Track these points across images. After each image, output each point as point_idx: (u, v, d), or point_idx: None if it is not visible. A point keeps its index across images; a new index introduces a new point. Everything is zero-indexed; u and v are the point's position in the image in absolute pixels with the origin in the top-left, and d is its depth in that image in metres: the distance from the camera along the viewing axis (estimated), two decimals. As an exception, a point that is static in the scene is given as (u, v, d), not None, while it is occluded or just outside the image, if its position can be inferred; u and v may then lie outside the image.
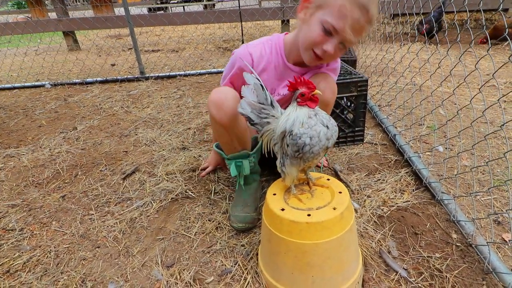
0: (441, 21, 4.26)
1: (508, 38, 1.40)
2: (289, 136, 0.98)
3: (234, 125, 1.31)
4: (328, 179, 1.17)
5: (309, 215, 0.99)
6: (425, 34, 4.09)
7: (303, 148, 0.96)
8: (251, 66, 1.35)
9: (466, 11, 1.67)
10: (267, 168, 1.80)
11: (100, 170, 1.98)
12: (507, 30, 1.89)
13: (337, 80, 1.86)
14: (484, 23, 1.55)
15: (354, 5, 1.11)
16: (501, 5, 1.42)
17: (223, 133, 1.36)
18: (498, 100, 1.30)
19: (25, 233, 1.51)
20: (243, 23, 4.18)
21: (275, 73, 1.41)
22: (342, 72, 2.04)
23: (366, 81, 1.90)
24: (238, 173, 1.47)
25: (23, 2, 11.48)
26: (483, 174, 1.72)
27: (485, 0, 3.89)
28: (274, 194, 1.11)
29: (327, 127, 0.97)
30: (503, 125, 1.28)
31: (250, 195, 1.52)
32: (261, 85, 1.07)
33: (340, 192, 1.09)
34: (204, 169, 1.86)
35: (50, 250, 1.40)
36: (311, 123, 0.95)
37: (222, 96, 1.28)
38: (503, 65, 1.32)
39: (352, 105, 1.98)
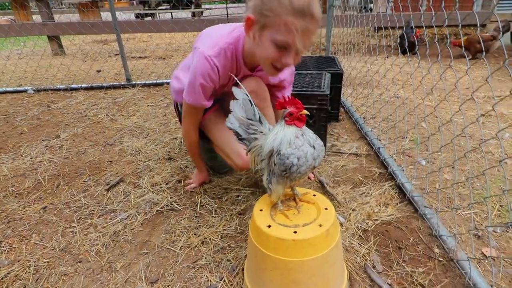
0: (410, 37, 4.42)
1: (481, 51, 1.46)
2: (276, 156, 0.99)
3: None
4: (314, 195, 1.18)
5: (295, 232, 1.00)
6: (407, 51, 4.24)
7: (291, 168, 0.97)
8: (217, 79, 1.38)
9: (444, 26, 1.72)
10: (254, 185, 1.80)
11: (84, 181, 1.94)
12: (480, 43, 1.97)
13: (299, 91, 1.97)
14: (461, 36, 1.61)
15: (298, 16, 1.11)
16: (478, 21, 1.48)
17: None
18: (477, 119, 1.34)
19: (3, 246, 1.46)
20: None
21: (229, 74, 1.44)
22: (313, 84, 2.10)
23: (327, 95, 1.94)
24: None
25: (7, 4, 11.24)
26: (463, 188, 1.77)
27: (462, 16, 4.07)
28: (261, 210, 1.12)
29: (314, 147, 0.98)
30: (482, 143, 1.33)
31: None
32: (250, 100, 1.08)
33: (326, 209, 1.10)
34: (189, 184, 1.85)
35: (30, 264, 1.36)
36: (299, 143, 0.96)
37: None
38: (482, 85, 1.37)
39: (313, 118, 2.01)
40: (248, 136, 1.10)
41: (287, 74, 1.63)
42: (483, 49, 1.50)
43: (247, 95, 1.06)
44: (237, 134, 1.12)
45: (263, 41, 1.21)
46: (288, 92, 1.70)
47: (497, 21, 4.45)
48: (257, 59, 1.32)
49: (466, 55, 4.23)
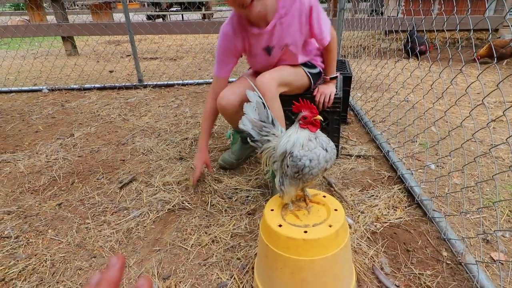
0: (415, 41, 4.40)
1: (494, 57, 1.47)
2: (289, 158, 1.02)
3: (236, 118, 1.49)
4: (324, 196, 1.21)
5: (305, 232, 1.02)
6: (410, 52, 4.22)
7: (303, 170, 0.99)
8: (231, 40, 1.70)
9: (455, 30, 1.73)
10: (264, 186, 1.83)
11: (97, 179, 1.99)
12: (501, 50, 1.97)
13: (309, 95, 1.96)
14: (473, 43, 1.62)
15: None
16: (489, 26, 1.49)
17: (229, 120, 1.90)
18: (487, 125, 1.35)
19: (20, 241, 1.51)
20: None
21: (243, 40, 1.72)
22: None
23: (340, 98, 1.96)
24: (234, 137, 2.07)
25: (21, 4, 11.50)
26: (473, 192, 1.77)
27: (474, 20, 4.05)
28: (272, 210, 1.14)
29: (326, 150, 1.01)
30: (491, 148, 1.33)
31: (237, 150, 2.06)
32: (263, 103, 1.11)
33: (335, 210, 1.12)
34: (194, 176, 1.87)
35: (46, 259, 1.40)
36: (311, 146, 0.99)
37: (223, 103, 1.73)
38: (493, 91, 1.38)
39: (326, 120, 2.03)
40: (261, 138, 1.13)
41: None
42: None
43: (261, 98, 1.09)
44: (250, 136, 1.15)
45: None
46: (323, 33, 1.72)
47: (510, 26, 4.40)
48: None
49: (491, 61, 4.20)
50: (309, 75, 1.85)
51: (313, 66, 1.88)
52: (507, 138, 1.19)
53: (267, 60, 1.77)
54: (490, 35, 1.59)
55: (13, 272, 1.33)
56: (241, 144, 2.06)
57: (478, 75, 1.42)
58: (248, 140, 1.17)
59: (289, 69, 1.77)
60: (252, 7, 1.47)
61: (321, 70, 1.93)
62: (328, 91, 1.87)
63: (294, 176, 1.03)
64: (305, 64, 1.85)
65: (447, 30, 1.78)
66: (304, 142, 0.99)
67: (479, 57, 4.17)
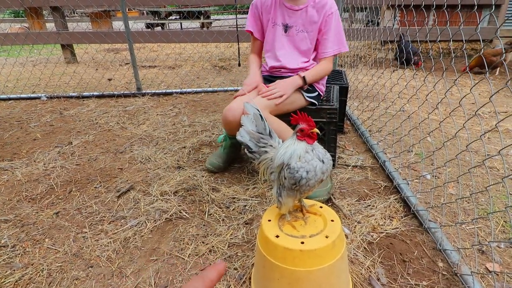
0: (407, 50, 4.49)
1: (485, 67, 1.49)
2: (286, 169, 1.03)
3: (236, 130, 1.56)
4: (321, 207, 1.22)
5: (302, 242, 1.03)
6: (404, 63, 4.29)
7: (300, 181, 1.01)
8: (260, 6, 1.96)
9: (449, 40, 1.77)
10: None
11: (95, 187, 2.00)
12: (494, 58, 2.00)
13: (309, 107, 2.02)
14: (465, 53, 1.65)
15: None
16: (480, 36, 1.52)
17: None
18: (480, 137, 1.37)
19: (17, 250, 1.51)
20: (240, 43, 4.29)
21: (274, 8, 1.94)
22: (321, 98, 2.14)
23: (336, 109, 1.99)
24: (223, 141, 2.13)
25: (21, 11, 11.56)
26: (468, 203, 1.79)
27: (468, 31, 4.12)
28: (269, 220, 1.15)
29: (323, 161, 1.02)
30: (485, 159, 1.36)
31: (225, 154, 2.14)
32: (260, 115, 1.13)
33: (332, 220, 1.13)
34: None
35: (43, 268, 1.40)
36: (308, 158, 1.00)
37: (229, 115, 1.82)
38: (486, 103, 1.40)
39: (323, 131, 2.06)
40: (258, 149, 1.14)
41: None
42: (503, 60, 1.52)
43: (258, 110, 1.11)
44: (248, 147, 1.17)
45: None
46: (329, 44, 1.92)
47: (503, 39, 4.48)
48: None
49: (483, 71, 4.27)
50: (309, 100, 1.97)
51: (313, 90, 1.99)
52: (499, 150, 1.21)
53: (282, 35, 1.95)
54: (483, 47, 1.63)
55: (9, 281, 1.33)
56: (229, 148, 2.14)
57: (471, 88, 1.45)
58: (246, 151, 1.19)
59: (285, 98, 1.85)
60: None
61: (320, 92, 2.03)
62: (280, 91, 1.85)
63: (292, 188, 1.04)
64: (306, 89, 1.96)
65: (440, 41, 1.82)
66: (301, 154, 1.01)
67: (469, 68, 4.24)
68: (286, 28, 1.92)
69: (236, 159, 2.26)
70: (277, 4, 1.92)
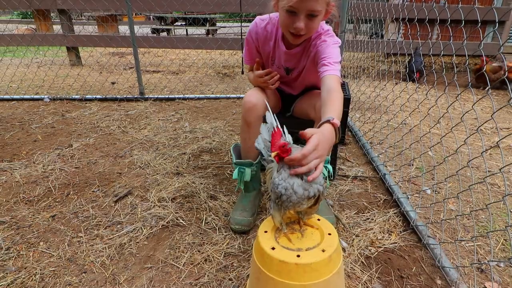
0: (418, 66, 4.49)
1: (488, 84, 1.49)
2: (271, 183, 1.04)
3: (257, 126, 1.36)
4: (319, 219, 1.21)
5: (298, 256, 1.01)
6: (413, 78, 4.30)
7: (281, 197, 1.01)
8: (257, 38, 1.69)
9: (452, 55, 1.77)
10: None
11: (93, 191, 1.99)
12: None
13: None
14: (467, 67, 1.65)
15: None
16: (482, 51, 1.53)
17: (246, 135, 1.65)
18: (481, 154, 1.36)
19: (11, 253, 1.49)
20: (244, 52, 4.33)
21: (268, 43, 1.71)
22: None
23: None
24: (240, 179, 1.66)
25: (29, 13, 11.70)
26: (468, 219, 1.77)
27: (472, 47, 4.14)
28: (266, 232, 1.14)
29: (302, 178, 1.01)
30: (486, 176, 1.34)
31: (249, 202, 1.72)
32: (276, 125, 1.13)
33: (329, 234, 1.12)
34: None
35: (36, 272, 1.38)
36: (284, 175, 1.01)
37: (253, 100, 1.61)
38: (488, 120, 1.40)
39: None
40: (268, 157, 1.15)
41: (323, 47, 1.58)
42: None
43: (276, 121, 1.11)
44: (261, 155, 1.19)
45: (279, 11, 1.45)
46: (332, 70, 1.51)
47: (503, 56, 4.48)
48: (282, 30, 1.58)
49: (483, 87, 4.28)
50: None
51: None
52: (501, 168, 1.20)
53: (286, 76, 1.80)
54: (486, 63, 1.63)
55: (1, 285, 1.31)
56: (252, 192, 1.76)
57: (473, 104, 1.44)
58: (260, 158, 1.20)
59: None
60: (300, 38, 1.51)
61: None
62: (318, 157, 1.04)
63: (276, 202, 1.05)
64: None
65: (443, 56, 1.82)
66: (275, 171, 1.02)
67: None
68: (287, 70, 1.76)
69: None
70: (275, 43, 1.68)
